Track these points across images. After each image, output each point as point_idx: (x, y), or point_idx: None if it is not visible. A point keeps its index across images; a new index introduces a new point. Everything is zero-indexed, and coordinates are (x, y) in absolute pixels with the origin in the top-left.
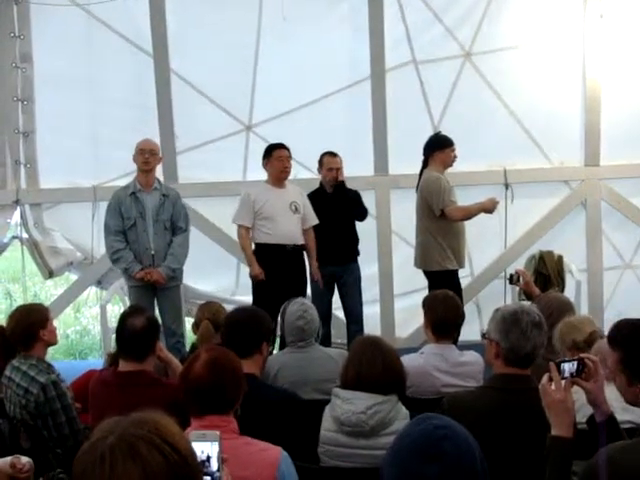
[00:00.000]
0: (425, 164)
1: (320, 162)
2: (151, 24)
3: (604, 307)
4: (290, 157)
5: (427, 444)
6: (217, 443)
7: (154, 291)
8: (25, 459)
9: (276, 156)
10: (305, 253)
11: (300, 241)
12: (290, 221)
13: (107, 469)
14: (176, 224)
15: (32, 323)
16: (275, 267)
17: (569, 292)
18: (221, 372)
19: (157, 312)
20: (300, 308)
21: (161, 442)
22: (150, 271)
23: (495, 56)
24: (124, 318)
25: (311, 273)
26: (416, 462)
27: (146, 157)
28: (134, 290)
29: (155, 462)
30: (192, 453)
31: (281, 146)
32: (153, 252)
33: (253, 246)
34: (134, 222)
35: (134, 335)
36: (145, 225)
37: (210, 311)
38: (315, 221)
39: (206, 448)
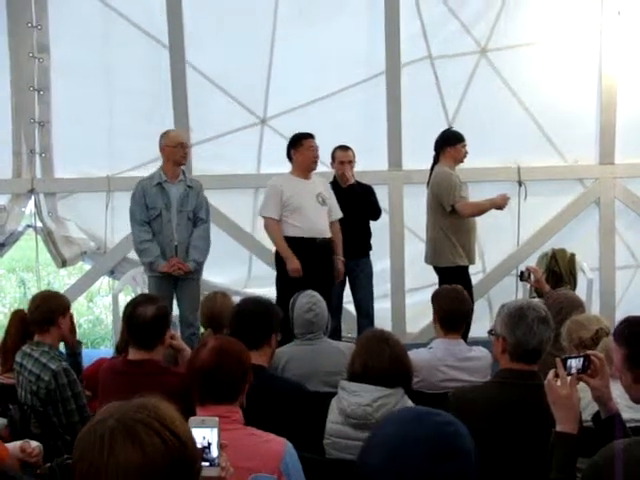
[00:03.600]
0: (436, 160)
1: (332, 156)
2: (167, 16)
3: (616, 306)
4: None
5: (440, 442)
6: (216, 429)
7: (174, 281)
8: (35, 443)
9: (307, 146)
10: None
11: (328, 234)
12: (318, 213)
13: (106, 451)
14: (197, 215)
15: (53, 308)
16: (304, 261)
17: (581, 291)
18: (226, 359)
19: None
20: (309, 301)
21: (160, 426)
22: (174, 263)
23: (511, 52)
24: (134, 307)
25: (336, 269)
26: (431, 462)
27: (185, 152)
28: (153, 280)
29: (154, 446)
30: (191, 439)
31: (311, 136)
32: (176, 243)
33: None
34: (159, 213)
35: (144, 324)
36: (169, 216)
37: (211, 307)
38: (340, 214)
39: (207, 434)
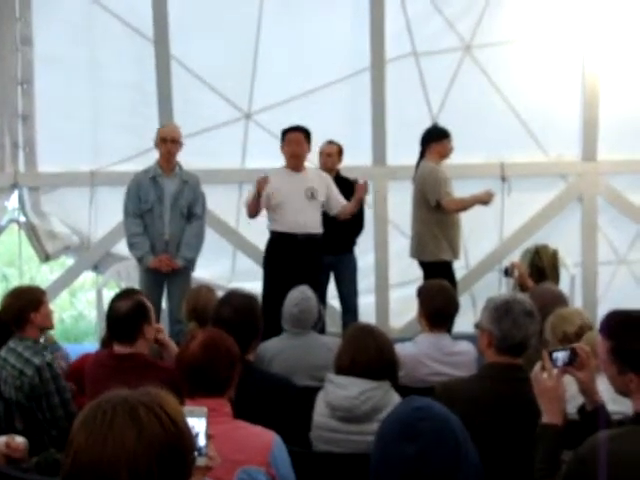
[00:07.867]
0: (422, 155)
1: (320, 153)
2: (152, 9)
3: (598, 301)
4: (303, 141)
5: (405, 425)
6: (204, 419)
7: (165, 276)
8: (20, 438)
9: (287, 140)
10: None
11: (315, 230)
12: (304, 208)
13: (106, 422)
14: (192, 210)
15: (23, 305)
16: (286, 257)
17: (563, 286)
18: (215, 351)
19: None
20: (298, 295)
21: (161, 412)
22: (162, 259)
23: (495, 49)
24: (113, 301)
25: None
26: (395, 442)
27: (169, 147)
28: (144, 274)
29: (152, 428)
30: (189, 430)
31: (295, 129)
32: (167, 238)
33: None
34: (151, 207)
35: (120, 318)
36: (162, 210)
37: (195, 301)
38: (343, 202)
39: (195, 424)
